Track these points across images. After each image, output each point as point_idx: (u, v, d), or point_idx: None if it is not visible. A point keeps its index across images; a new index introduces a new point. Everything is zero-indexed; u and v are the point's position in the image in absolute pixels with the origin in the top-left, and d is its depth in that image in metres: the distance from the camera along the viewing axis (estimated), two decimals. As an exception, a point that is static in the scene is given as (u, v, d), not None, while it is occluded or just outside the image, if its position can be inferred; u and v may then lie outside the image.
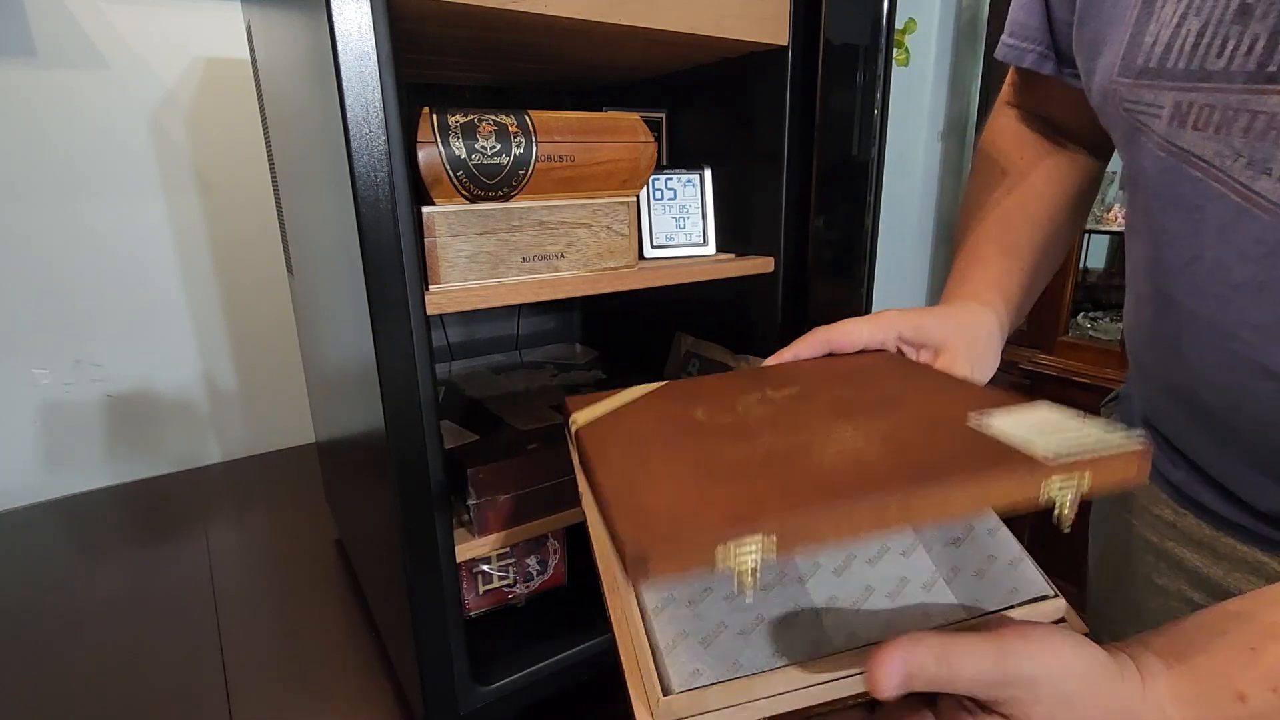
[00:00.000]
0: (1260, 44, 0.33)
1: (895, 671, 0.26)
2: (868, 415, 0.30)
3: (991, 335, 0.46)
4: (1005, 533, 0.34)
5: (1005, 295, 0.49)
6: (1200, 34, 0.36)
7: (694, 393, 0.37)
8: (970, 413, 0.29)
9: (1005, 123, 0.58)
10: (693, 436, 0.31)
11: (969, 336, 0.45)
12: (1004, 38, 0.53)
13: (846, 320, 0.43)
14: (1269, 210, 0.35)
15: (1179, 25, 0.37)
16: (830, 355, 0.42)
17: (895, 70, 0.65)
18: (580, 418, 0.35)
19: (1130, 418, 0.56)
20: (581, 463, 0.32)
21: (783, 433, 0.30)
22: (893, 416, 0.30)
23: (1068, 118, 0.53)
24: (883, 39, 0.54)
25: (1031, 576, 0.32)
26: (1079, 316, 1.61)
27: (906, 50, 1.72)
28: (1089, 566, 0.63)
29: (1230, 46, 0.35)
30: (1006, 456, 0.25)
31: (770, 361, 0.41)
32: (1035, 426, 0.27)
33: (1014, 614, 0.30)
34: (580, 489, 0.35)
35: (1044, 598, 0.31)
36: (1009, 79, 0.59)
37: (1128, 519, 0.55)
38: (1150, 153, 0.40)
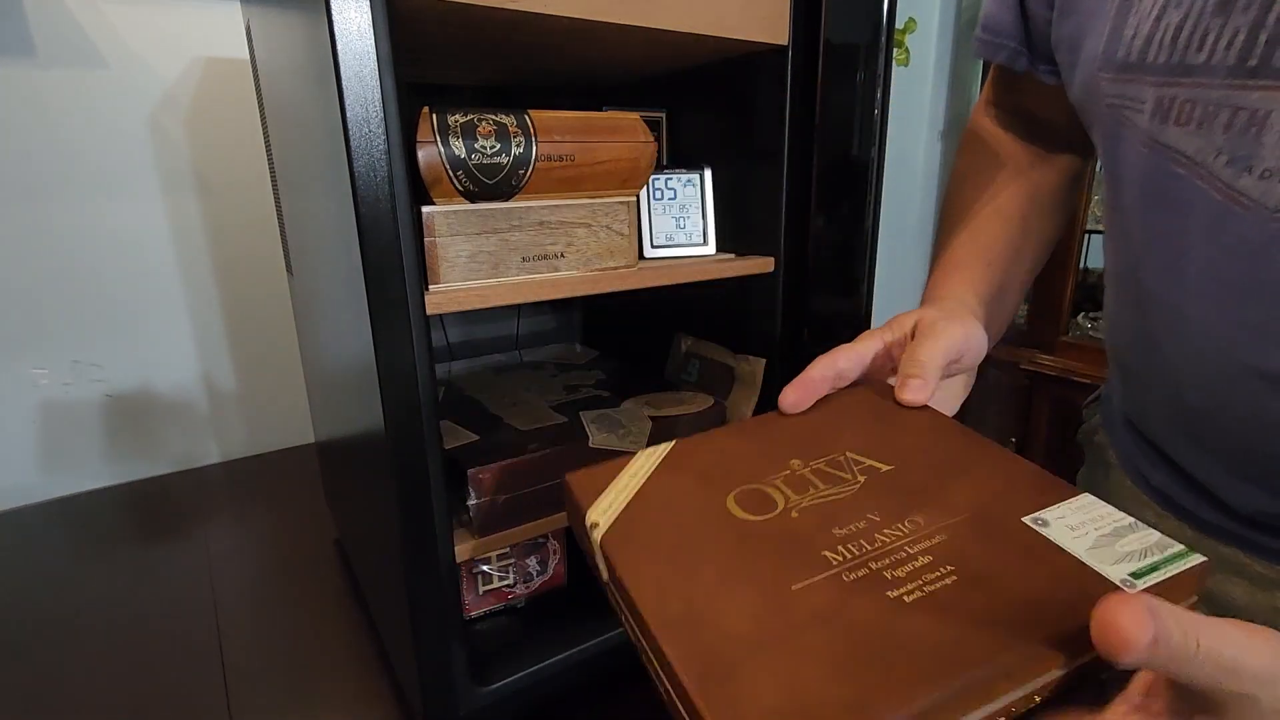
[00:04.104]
0: (1241, 37, 0.33)
1: (1145, 627, 0.20)
2: (920, 512, 0.29)
3: (966, 314, 0.45)
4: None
5: (976, 292, 0.49)
6: (1180, 27, 0.35)
7: (712, 463, 0.34)
8: (1022, 514, 0.28)
9: (983, 124, 0.57)
10: (742, 552, 0.28)
11: (938, 313, 0.44)
12: (977, 32, 0.52)
13: (838, 349, 0.42)
14: (1251, 208, 0.35)
15: (1159, 18, 0.36)
16: (832, 392, 0.41)
17: (895, 70, 0.64)
18: (598, 516, 0.31)
19: (1111, 418, 0.55)
20: (621, 599, 0.29)
21: (841, 545, 0.28)
22: (946, 516, 0.29)
23: (1048, 115, 0.53)
24: (883, 39, 0.54)
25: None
26: (1079, 316, 1.61)
27: (906, 50, 1.72)
28: None
29: (1211, 40, 0.34)
30: (1089, 589, 0.24)
31: (788, 396, 0.39)
32: (1089, 533, 0.26)
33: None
34: (619, 610, 0.30)
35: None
36: (989, 77, 0.58)
37: None
38: (1135, 148, 0.40)
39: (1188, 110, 0.36)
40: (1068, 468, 0.65)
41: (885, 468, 0.33)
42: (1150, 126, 0.38)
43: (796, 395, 0.40)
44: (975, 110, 0.58)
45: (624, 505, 0.32)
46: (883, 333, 0.43)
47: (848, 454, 0.34)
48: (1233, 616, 0.46)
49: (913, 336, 0.43)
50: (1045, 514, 0.28)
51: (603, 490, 0.33)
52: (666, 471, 0.34)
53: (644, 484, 0.33)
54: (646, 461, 0.35)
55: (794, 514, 0.30)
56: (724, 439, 0.37)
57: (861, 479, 0.32)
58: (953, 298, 0.48)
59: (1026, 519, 0.28)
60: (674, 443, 0.36)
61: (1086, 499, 0.29)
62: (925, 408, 0.38)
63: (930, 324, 0.42)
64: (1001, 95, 0.57)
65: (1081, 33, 0.42)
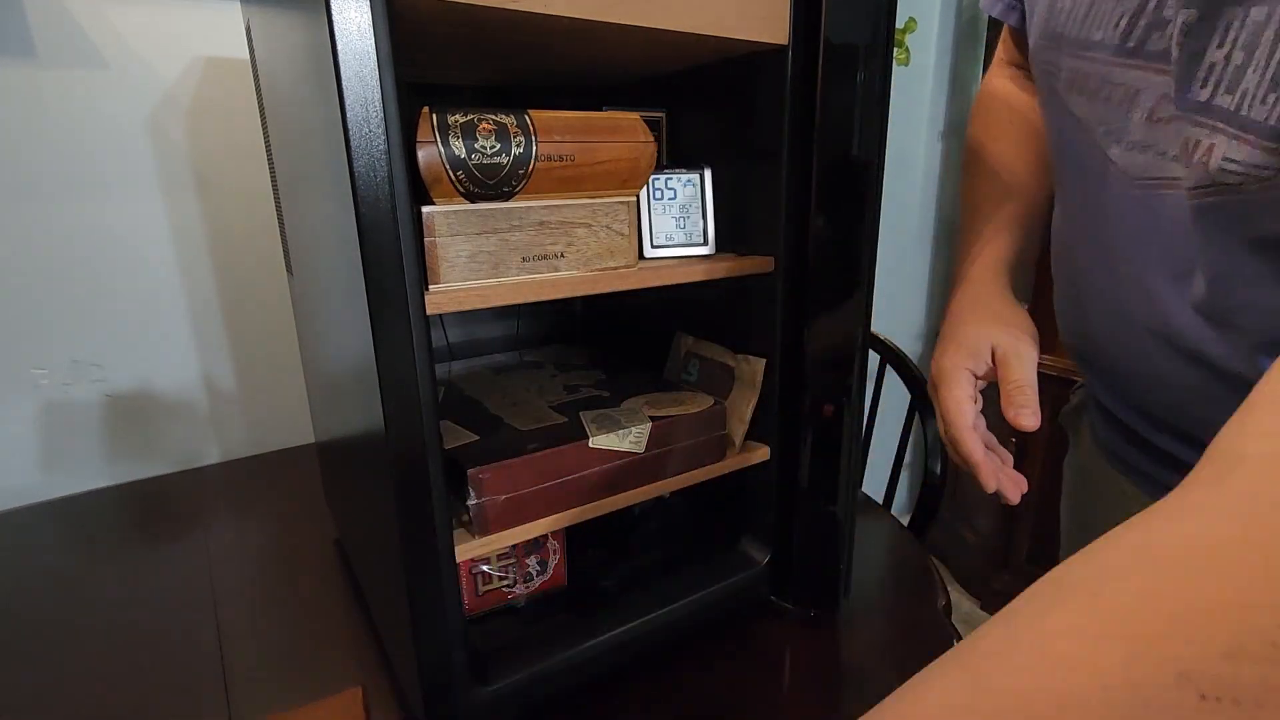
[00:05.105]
0: (1125, 19, 0.36)
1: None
2: None
3: (1022, 318, 0.51)
4: None
5: (1009, 265, 0.56)
6: (1091, 4, 0.38)
7: None
8: None
9: (996, 84, 0.62)
10: None
11: (1003, 324, 0.50)
12: None
13: (953, 398, 0.49)
14: (1119, 177, 0.38)
15: None
16: None
17: (895, 70, 0.66)
18: None
19: (1089, 400, 0.59)
20: None
21: None
22: None
23: None
24: (883, 39, 0.54)
25: None
26: (1079, 316, 1.61)
27: (906, 50, 1.72)
28: (1061, 551, 0.65)
29: (1105, 19, 0.37)
30: None
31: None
32: None
33: None
34: None
35: None
36: (1002, 36, 0.63)
37: (1084, 499, 0.59)
38: (1054, 113, 0.44)
39: (1087, 82, 0.39)
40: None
41: None
42: (1065, 93, 0.42)
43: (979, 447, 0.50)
44: (989, 72, 0.64)
45: None
46: (967, 363, 0.49)
47: None
48: None
49: (993, 359, 0.48)
50: None
51: None
52: None
53: None
54: None
55: None
56: None
57: None
58: (998, 285, 0.54)
59: None
60: None
61: None
62: None
63: (1011, 347, 0.48)
64: (1011, 53, 0.62)
65: (1034, 1, 0.46)
